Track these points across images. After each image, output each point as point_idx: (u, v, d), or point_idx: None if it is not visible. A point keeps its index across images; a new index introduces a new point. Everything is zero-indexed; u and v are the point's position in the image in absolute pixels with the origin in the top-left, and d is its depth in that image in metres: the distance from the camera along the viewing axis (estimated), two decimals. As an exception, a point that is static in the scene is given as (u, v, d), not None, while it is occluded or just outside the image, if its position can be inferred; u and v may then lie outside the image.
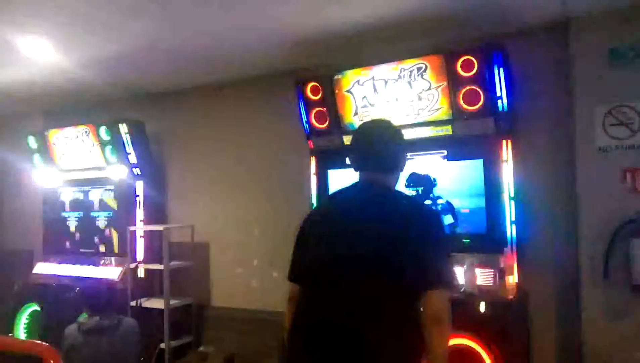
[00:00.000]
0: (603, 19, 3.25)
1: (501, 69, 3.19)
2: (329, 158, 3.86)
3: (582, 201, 3.31)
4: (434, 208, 1.85)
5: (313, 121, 3.86)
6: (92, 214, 5.24)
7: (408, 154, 2.10)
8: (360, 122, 2.61)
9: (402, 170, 2.05)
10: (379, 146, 2.00)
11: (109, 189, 5.14)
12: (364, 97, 3.64)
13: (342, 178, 3.69)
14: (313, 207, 2.05)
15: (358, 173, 2.04)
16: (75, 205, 5.40)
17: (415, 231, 1.77)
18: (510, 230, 3.22)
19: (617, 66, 3.21)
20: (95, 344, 3.13)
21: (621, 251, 3.13)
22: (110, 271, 4.85)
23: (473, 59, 3.21)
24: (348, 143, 2.63)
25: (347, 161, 2.09)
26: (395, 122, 3.52)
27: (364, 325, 1.71)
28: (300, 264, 1.98)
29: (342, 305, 1.76)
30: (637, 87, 3.18)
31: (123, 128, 4.80)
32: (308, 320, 1.85)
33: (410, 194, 2.08)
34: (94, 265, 4.99)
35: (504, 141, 3.26)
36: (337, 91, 3.72)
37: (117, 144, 4.84)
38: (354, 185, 2.02)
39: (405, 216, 1.82)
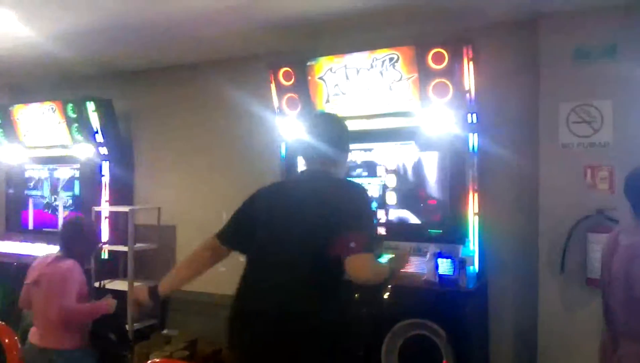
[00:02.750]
0: (571, 18, 3.31)
1: (471, 63, 3.23)
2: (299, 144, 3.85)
3: (543, 196, 3.38)
4: (362, 186, 2.19)
5: (284, 106, 3.85)
6: (56, 193, 5.13)
7: (350, 150, 2.28)
8: (312, 116, 2.86)
9: (343, 165, 2.25)
10: (320, 146, 2.13)
11: (74, 168, 5.04)
12: (336, 85, 3.64)
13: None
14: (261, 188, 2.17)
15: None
16: (40, 183, 5.28)
17: (340, 209, 1.95)
18: (473, 222, 3.29)
19: (582, 64, 3.27)
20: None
21: (578, 245, 3.22)
22: (73, 252, 4.76)
23: (444, 51, 3.24)
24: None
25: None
26: (366, 111, 3.63)
27: (301, 293, 1.93)
28: (242, 233, 2.28)
29: (284, 276, 1.98)
30: (601, 87, 3.25)
31: (90, 106, 4.70)
32: (254, 292, 2.16)
33: (346, 179, 2.40)
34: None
35: (470, 135, 3.31)
36: (309, 78, 3.71)
37: (83, 122, 4.73)
38: (301, 173, 2.23)
39: (336, 197, 2.01)
